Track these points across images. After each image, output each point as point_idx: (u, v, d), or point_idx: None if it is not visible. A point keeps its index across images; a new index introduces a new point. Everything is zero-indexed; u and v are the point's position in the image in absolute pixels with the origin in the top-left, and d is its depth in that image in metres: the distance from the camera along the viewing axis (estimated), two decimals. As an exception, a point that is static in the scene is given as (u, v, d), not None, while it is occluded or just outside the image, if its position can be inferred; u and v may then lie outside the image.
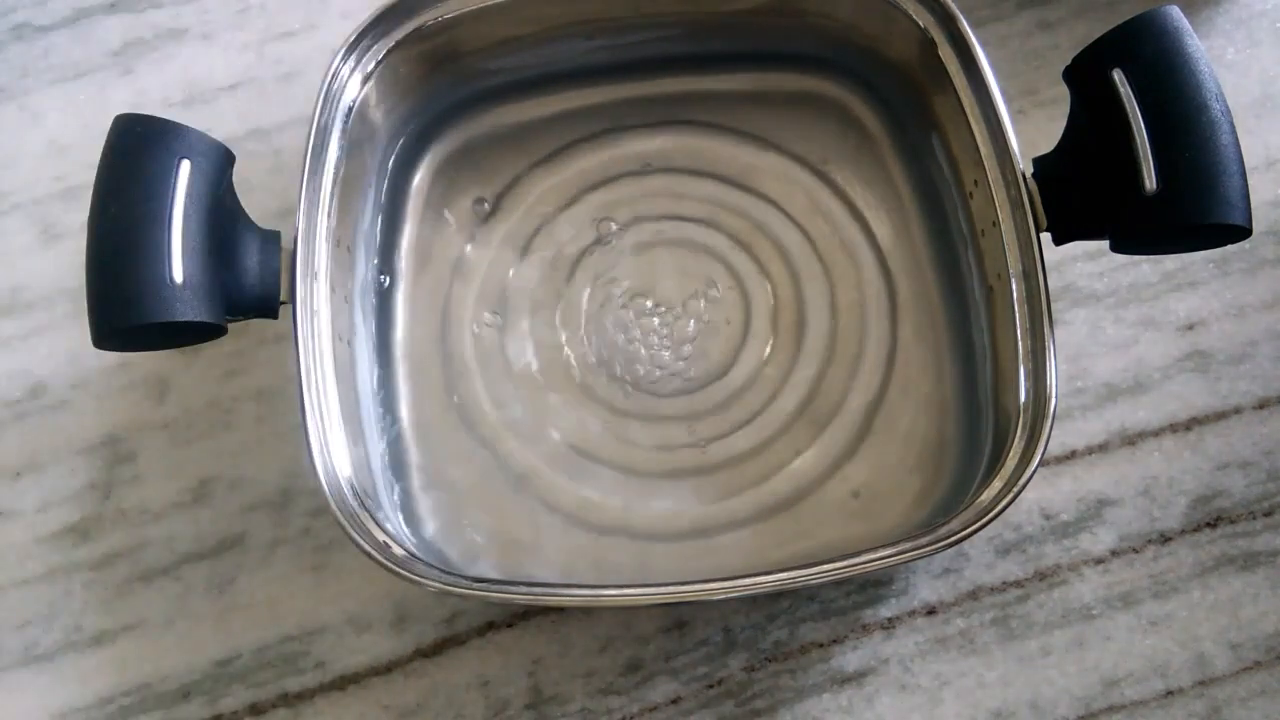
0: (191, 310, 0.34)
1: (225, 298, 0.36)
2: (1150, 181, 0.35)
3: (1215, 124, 0.35)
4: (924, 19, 0.42)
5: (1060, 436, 0.44)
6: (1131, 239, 0.37)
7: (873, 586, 0.43)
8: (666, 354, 0.45)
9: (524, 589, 0.36)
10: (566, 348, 0.45)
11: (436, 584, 0.35)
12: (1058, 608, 0.42)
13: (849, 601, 0.43)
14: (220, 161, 0.37)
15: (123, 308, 0.34)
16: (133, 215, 0.35)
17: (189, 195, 0.35)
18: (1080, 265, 0.46)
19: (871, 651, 0.42)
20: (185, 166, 0.35)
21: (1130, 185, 0.35)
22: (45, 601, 0.43)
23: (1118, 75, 0.36)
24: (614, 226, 0.46)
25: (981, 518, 0.35)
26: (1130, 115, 0.35)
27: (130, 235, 0.34)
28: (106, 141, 0.36)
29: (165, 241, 0.34)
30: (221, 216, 0.37)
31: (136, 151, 0.35)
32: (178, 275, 0.34)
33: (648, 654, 0.42)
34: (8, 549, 0.44)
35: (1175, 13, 0.36)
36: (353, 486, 0.37)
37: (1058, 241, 0.38)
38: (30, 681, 0.42)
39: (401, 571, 0.35)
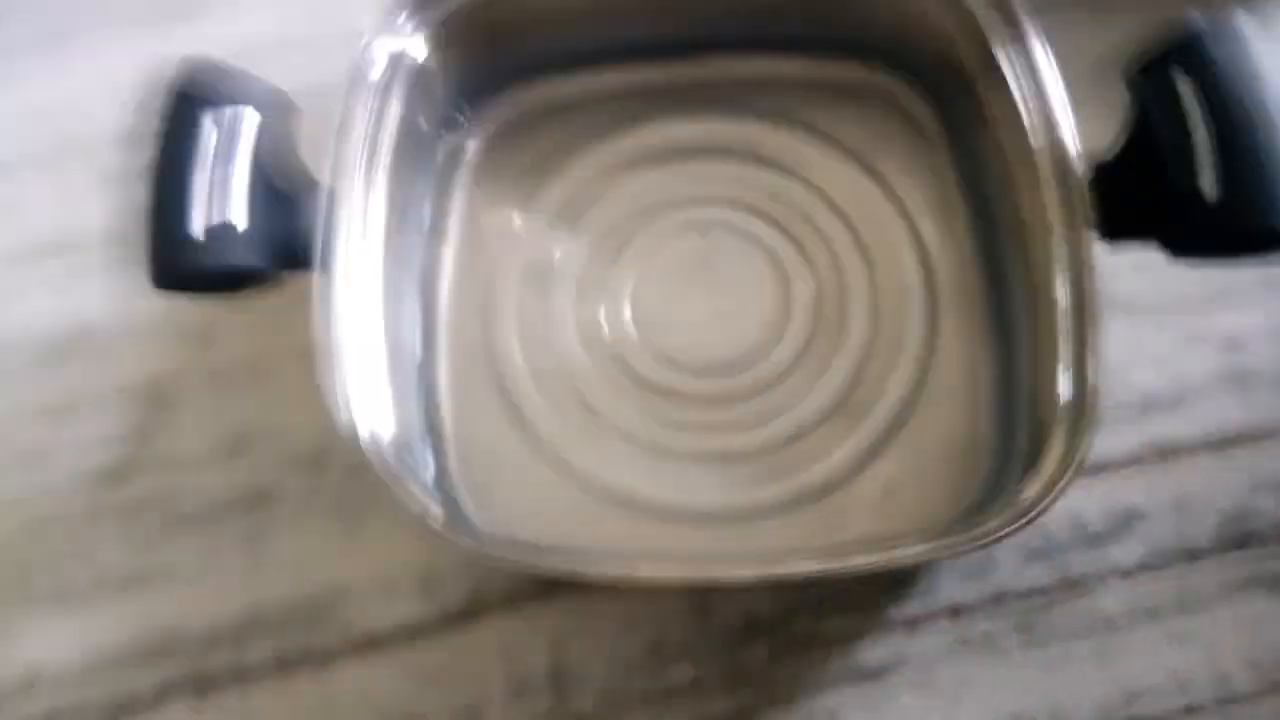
0: (246, 256, 0.35)
1: (278, 248, 0.37)
2: (1209, 187, 0.34)
3: (1277, 132, 0.34)
4: (984, 14, 0.41)
5: (1095, 446, 0.44)
6: (1186, 245, 0.37)
7: (898, 584, 0.43)
8: (707, 337, 0.45)
9: (557, 560, 0.36)
10: (608, 326, 0.45)
11: (473, 549, 0.35)
12: (1082, 617, 0.42)
13: (874, 597, 0.42)
14: (283, 112, 0.37)
15: (180, 251, 0.34)
16: (194, 160, 0.35)
17: (251, 143, 0.35)
18: (1125, 276, 0.46)
19: (893, 648, 0.42)
20: (248, 114, 0.36)
21: (1187, 190, 0.35)
22: (78, 541, 0.44)
23: (1180, 79, 0.35)
24: (661, 207, 0.46)
25: (1019, 520, 0.35)
26: (1190, 120, 0.35)
27: (190, 180, 0.35)
28: (171, 86, 0.36)
29: (225, 188, 0.35)
30: (280, 167, 0.37)
31: (201, 97, 0.36)
32: (236, 222, 0.35)
33: (670, 636, 0.42)
34: (44, 488, 0.44)
35: (1241, 20, 0.36)
36: (393, 448, 0.37)
37: (1109, 244, 0.38)
38: (58, 619, 0.43)
39: (440, 533, 0.35)
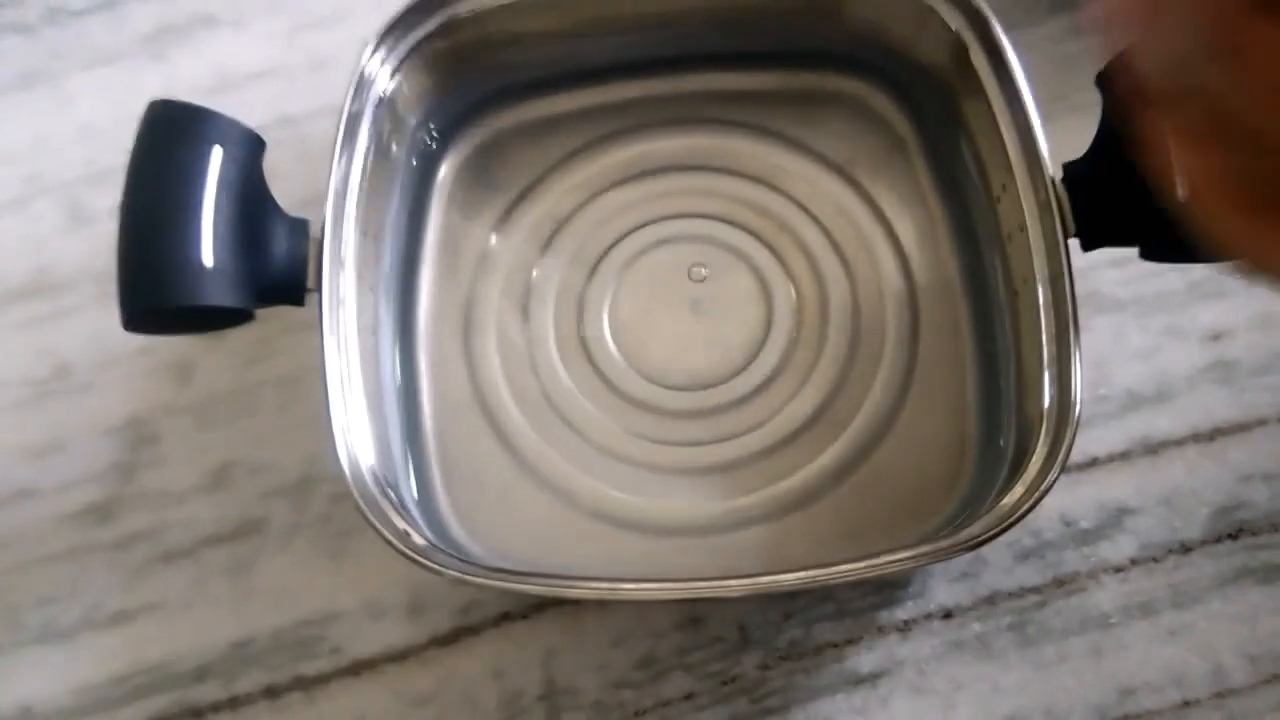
0: (220, 295, 0.35)
1: (253, 284, 0.37)
2: (1181, 189, 0.34)
3: (1249, 133, 0.34)
4: (956, 21, 0.41)
5: (1082, 444, 0.43)
6: (1161, 247, 0.37)
7: (889, 588, 0.43)
8: (687, 351, 0.45)
9: (542, 580, 0.36)
10: (588, 343, 0.45)
11: (455, 573, 0.35)
12: (1075, 615, 0.42)
13: (865, 603, 0.42)
14: (252, 149, 0.37)
15: (153, 291, 0.34)
16: (165, 200, 0.35)
17: (220, 182, 0.35)
18: (1105, 272, 0.46)
19: (886, 653, 0.42)
20: (218, 153, 0.36)
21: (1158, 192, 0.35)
22: (65, 580, 0.44)
23: (1151, 81, 0.35)
24: (638, 223, 0.46)
25: (1003, 523, 0.35)
26: (1163, 122, 0.35)
27: (162, 219, 0.35)
28: (140, 126, 0.36)
29: (196, 227, 0.35)
30: (251, 203, 0.37)
31: (170, 137, 0.36)
32: (208, 260, 0.35)
33: (662, 649, 0.42)
34: (30, 527, 0.44)
35: (1211, 20, 0.36)
36: (374, 475, 0.37)
37: (1086, 247, 0.38)
38: (48, 658, 0.43)
39: (421, 560, 0.35)
